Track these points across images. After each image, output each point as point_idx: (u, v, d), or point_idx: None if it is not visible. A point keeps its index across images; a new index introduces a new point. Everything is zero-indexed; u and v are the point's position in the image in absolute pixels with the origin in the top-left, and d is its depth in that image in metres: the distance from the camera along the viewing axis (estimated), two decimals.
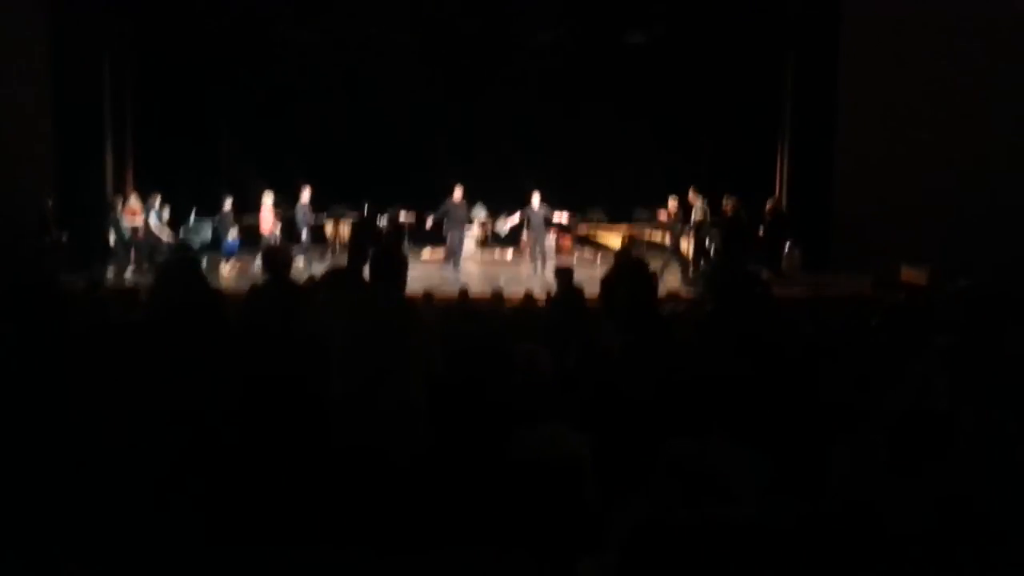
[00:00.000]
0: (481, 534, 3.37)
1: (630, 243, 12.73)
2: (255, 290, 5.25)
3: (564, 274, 7.65)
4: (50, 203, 11.19)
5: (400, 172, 15.52)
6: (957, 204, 11.06)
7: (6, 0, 11.36)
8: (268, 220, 12.55)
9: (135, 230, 12.21)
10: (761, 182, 13.36)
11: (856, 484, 2.80)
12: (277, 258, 5.42)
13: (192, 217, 13.09)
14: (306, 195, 12.86)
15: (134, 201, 12.34)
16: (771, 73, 13.38)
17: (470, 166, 15.47)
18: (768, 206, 12.36)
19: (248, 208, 13.07)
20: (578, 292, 6.92)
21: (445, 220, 12.86)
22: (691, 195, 12.96)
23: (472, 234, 14.47)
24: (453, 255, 12.76)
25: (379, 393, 3.74)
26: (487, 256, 14.84)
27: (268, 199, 12.62)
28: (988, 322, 4.76)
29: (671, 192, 13.12)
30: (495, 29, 14.36)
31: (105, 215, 12.23)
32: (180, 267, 4.59)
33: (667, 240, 13.00)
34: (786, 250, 12.56)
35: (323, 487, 3.62)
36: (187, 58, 14.41)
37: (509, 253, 13.48)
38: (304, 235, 12.75)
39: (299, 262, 11.33)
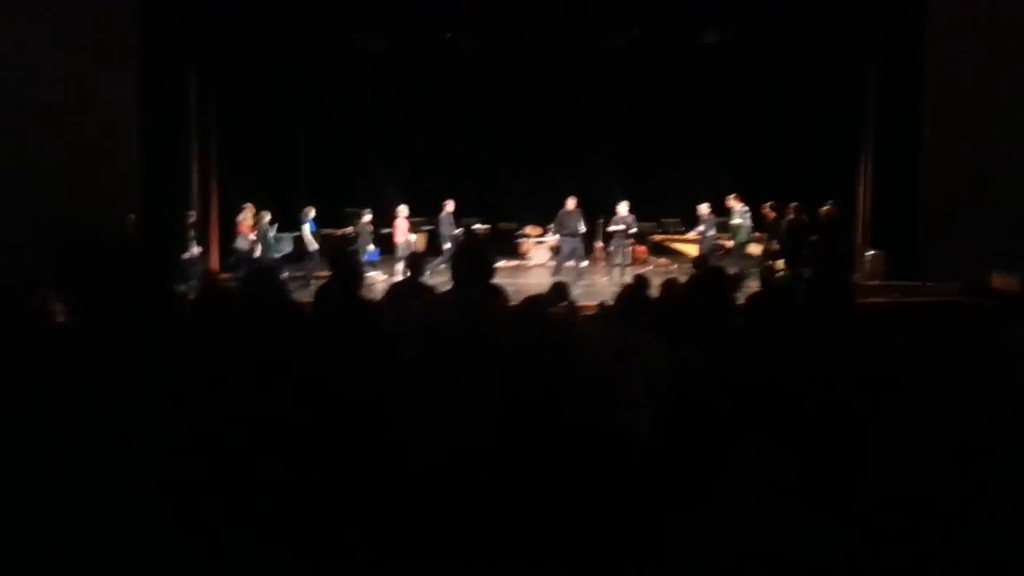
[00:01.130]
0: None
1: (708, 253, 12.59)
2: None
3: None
4: (132, 217, 11.53)
5: (474, 181, 15.70)
6: None
7: (96, 15, 11.76)
8: (403, 230, 13.23)
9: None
10: (844, 188, 13.09)
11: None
12: (420, 263, 5.84)
13: (274, 231, 13.44)
14: (450, 206, 13.56)
15: (249, 216, 12.95)
16: (853, 76, 13.10)
17: (547, 175, 15.59)
18: (824, 210, 12.11)
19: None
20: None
21: (559, 230, 13.26)
22: (731, 200, 12.92)
23: (547, 242, 14.54)
24: (567, 262, 12.99)
25: (450, 398, 3.72)
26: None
27: (403, 210, 13.33)
28: None
29: (763, 198, 13.05)
30: (565, 33, 14.39)
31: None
32: (262, 280, 4.79)
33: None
34: (867, 257, 12.34)
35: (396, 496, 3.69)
36: (272, 72, 14.84)
37: (585, 262, 13.49)
38: (447, 246, 13.09)
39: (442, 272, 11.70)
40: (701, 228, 13.18)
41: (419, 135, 16.27)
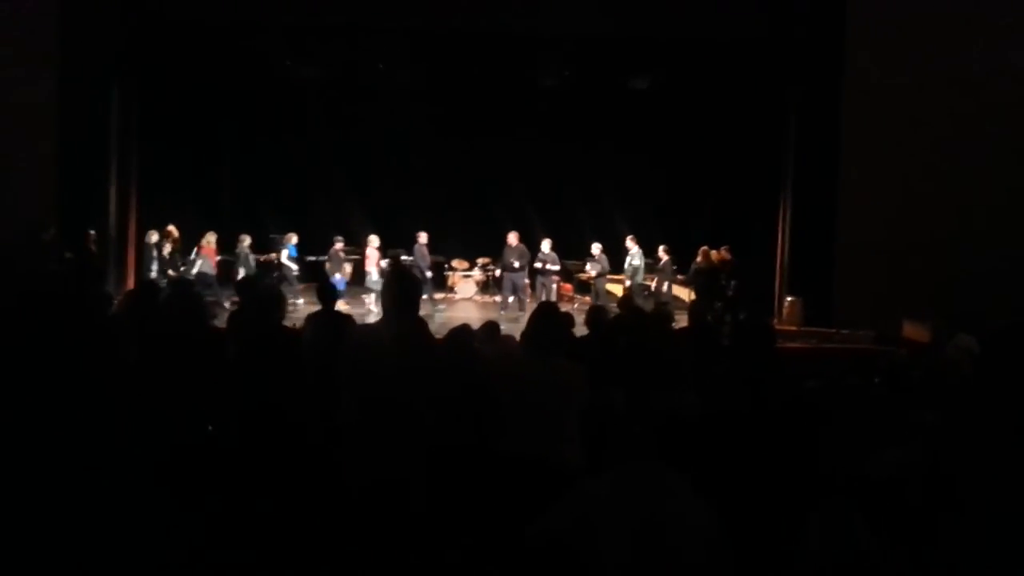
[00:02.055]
0: None
1: (631, 292, 12.83)
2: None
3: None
4: (52, 231, 11.19)
5: (401, 213, 15.68)
6: (962, 259, 11.17)
7: (15, 30, 11.47)
8: (374, 260, 13.25)
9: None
10: (765, 234, 13.46)
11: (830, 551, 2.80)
12: None
13: (194, 253, 13.16)
14: (423, 238, 13.73)
15: (213, 239, 13.00)
16: (774, 123, 13.53)
17: (472, 209, 15.71)
18: (716, 255, 12.59)
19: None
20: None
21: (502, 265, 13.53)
22: (628, 241, 13.47)
23: (473, 276, 14.65)
24: (513, 296, 13.25)
25: (382, 428, 3.72)
26: (487, 299, 14.99)
27: (375, 240, 13.36)
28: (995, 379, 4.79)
29: (669, 240, 13.39)
30: (499, 71, 14.57)
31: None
32: (184, 301, 4.70)
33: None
34: (786, 303, 12.69)
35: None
36: (194, 92, 14.58)
37: (527, 297, 13.63)
38: (425, 276, 13.28)
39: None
40: (625, 266, 13.44)
41: (347, 163, 16.23)
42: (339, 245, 13.49)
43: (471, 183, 16.46)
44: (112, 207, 12.89)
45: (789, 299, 12.70)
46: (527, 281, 13.44)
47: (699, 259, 12.76)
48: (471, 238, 15.17)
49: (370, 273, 13.20)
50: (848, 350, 10.04)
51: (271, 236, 14.54)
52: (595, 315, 6.76)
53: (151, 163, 13.66)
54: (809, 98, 12.67)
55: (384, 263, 13.27)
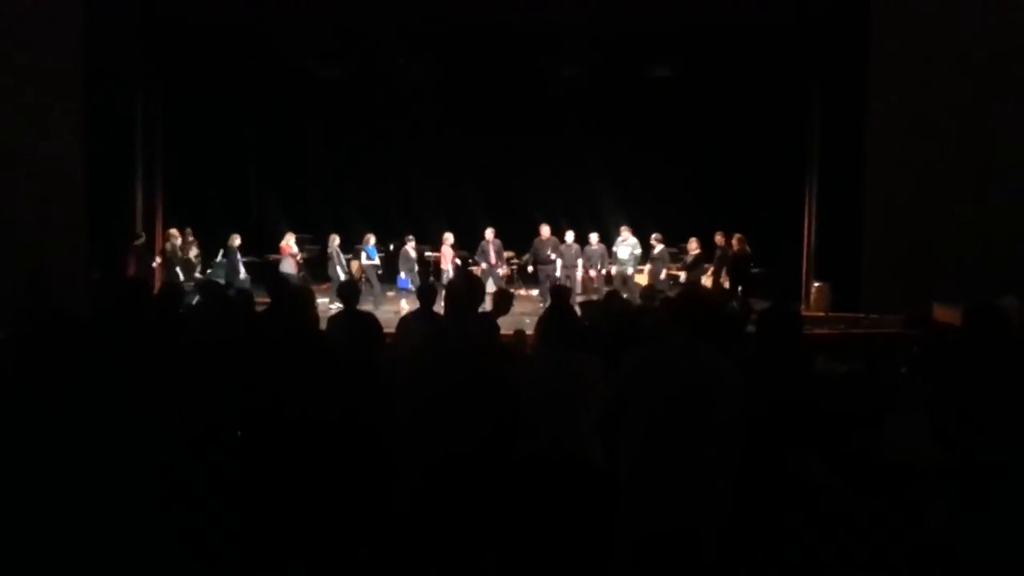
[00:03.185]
0: None
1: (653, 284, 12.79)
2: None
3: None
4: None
5: (422, 209, 15.78)
6: (990, 242, 11.04)
7: (39, 39, 11.63)
8: (449, 258, 13.48)
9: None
10: (790, 220, 13.38)
11: None
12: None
13: (220, 255, 13.31)
14: (490, 234, 13.72)
15: (292, 239, 13.24)
16: (798, 109, 13.43)
17: (496, 202, 15.73)
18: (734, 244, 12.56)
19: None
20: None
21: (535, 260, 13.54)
22: (624, 231, 13.49)
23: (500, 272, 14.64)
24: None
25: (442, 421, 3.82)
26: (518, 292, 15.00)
27: (449, 238, 13.54)
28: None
29: (692, 228, 13.32)
30: (519, 64, 14.57)
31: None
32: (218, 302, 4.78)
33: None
34: (813, 288, 12.62)
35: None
36: (216, 96, 14.72)
37: (536, 291, 13.67)
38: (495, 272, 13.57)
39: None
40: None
41: (371, 162, 16.32)
42: (410, 244, 13.50)
43: (494, 177, 16.48)
44: (139, 213, 13.06)
45: (816, 285, 12.64)
46: (558, 274, 13.45)
47: (720, 243, 12.76)
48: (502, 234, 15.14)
49: (447, 271, 13.32)
50: (876, 334, 9.96)
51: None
52: (609, 302, 6.68)
53: (176, 168, 13.84)
54: (834, 83, 12.56)
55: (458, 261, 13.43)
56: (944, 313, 10.10)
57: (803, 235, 13.25)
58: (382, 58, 14.49)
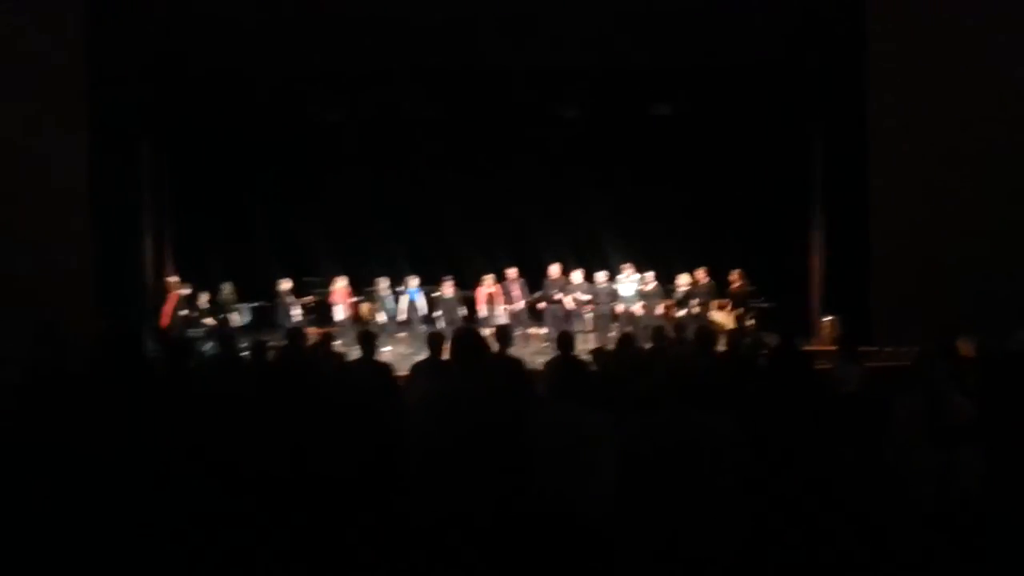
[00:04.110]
0: None
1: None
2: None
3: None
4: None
5: (429, 247, 15.77)
6: (996, 272, 10.98)
7: (46, 83, 11.74)
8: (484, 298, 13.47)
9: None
10: (798, 254, 13.35)
11: None
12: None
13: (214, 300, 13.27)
14: (513, 272, 13.82)
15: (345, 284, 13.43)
16: (800, 143, 13.48)
17: (500, 240, 15.73)
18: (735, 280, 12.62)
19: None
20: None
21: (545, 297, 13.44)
22: (625, 267, 13.53)
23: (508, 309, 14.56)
24: (554, 328, 12.98)
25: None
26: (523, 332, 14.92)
27: (489, 280, 13.55)
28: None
29: (700, 264, 13.27)
30: (521, 105, 14.69)
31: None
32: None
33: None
34: (823, 322, 12.55)
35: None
36: (222, 142, 14.80)
37: (544, 329, 13.61)
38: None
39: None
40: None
41: (379, 204, 16.36)
42: (448, 284, 13.46)
43: (499, 217, 16.50)
44: (148, 263, 13.05)
45: (827, 318, 12.55)
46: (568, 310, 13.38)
47: (702, 279, 12.86)
48: (497, 271, 15.09)
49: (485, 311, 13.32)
50: (892, 368, 9.85)
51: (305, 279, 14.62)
52: (621, 348, 6.62)
53: (184, 216, 13.87)
54: (835, 117, 12.61)
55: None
56: (967, 346, 10.00)
57: (811, 269, 13.20)
58: (387, 101, 14.59)
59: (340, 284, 13.50)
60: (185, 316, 12.49)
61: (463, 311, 13.53)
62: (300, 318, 13.07)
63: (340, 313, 13.39)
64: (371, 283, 13.70)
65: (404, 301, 13.43)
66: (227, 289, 13.07)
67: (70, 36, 11.84)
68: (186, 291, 12.68)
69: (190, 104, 13.50)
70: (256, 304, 13.66)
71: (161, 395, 4.30)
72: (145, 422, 3.90)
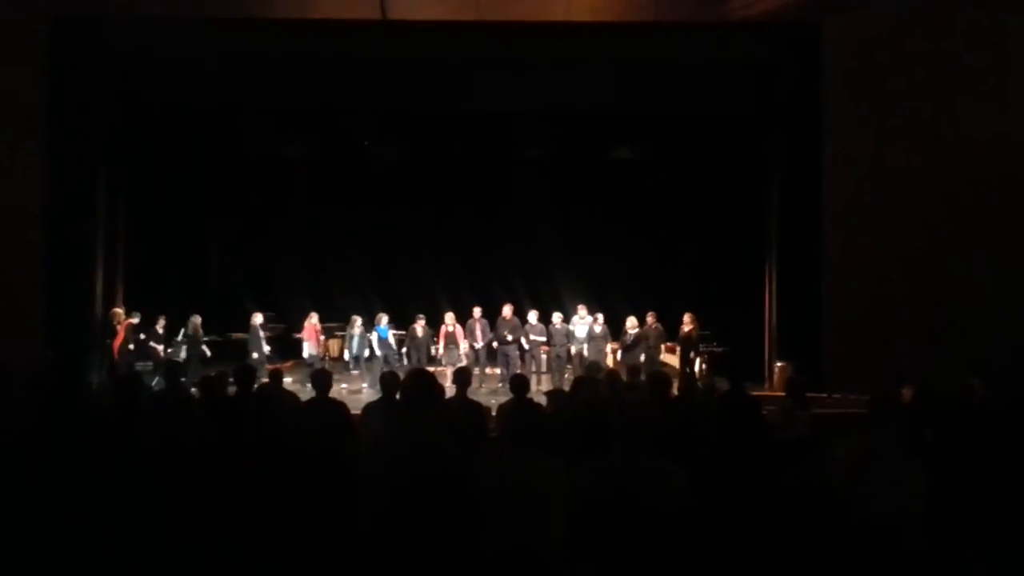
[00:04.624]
0: None
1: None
2: None
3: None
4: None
5: (388, 287, 15.76)
6: (951, 320, 11.19)
7: (2, 111, 11.62)
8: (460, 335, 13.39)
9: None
10: (752, 299, 13.52)
11: None
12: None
13: (181, 334, 13.12)
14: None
15: (316, 319, 13.21)
16: (757, 190, 13.68)
17: (456, 278, 15.79)
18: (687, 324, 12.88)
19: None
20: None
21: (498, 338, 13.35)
22: (580, 309, 13.53)
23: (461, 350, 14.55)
24: (506, 369, 13.18)
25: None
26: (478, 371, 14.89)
27: (477, 312, 13.55)
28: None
29: (654, 307, 13.41)
30: (481, 146, 14.84)
31: None
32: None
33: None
34: (776, 368, 12.70)
35: None
36: (182, 177, 14.70)
37: (499, 369, 13.62)
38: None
39: None
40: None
41: (336, 241, 16.35)
42: (420, 323, 13.39)
43: (457, 257, 16.57)
44: (99, 292, 12.86)
45: (779, 364, 12.71)
46: (518, 353, 13.39)
47: (651, 323, 12.95)
48: (457, 309, 15.14)
49: (454, 346, 13.28)
50: (841, 415, 9.98)
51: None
52: (577, 391, 6.64)
53: (138, 246, 13.71)
54: (792, 166, 12.85)
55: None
56: (910, 393, 10.16)
57: (764, 314, 13.37)
58: (347, 138, 14.66)
59: (311, 320, 13.37)
60: (134, 348, 12.30)
61: (434, 350, 13.50)
62: (268, 352, 13.02)
63: (309, 349, 13.27)
64: (346, 319, 13.65)
65: (374, 338, 13.37)
66: (195, 322, 12.91)
67: (31, 66, 11.76)
68: (135, 320, 12.51)
69: (149, 136, 13.42)
70: (209, 339, 13.49)
71: (104, 432, 4.26)
72: (84, 459, 3.85)
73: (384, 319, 13.46)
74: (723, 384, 8.60)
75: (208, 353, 13.14)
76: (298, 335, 13.81)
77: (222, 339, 14.29)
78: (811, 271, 12.46)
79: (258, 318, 13.02)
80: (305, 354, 13.30)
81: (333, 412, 5.58)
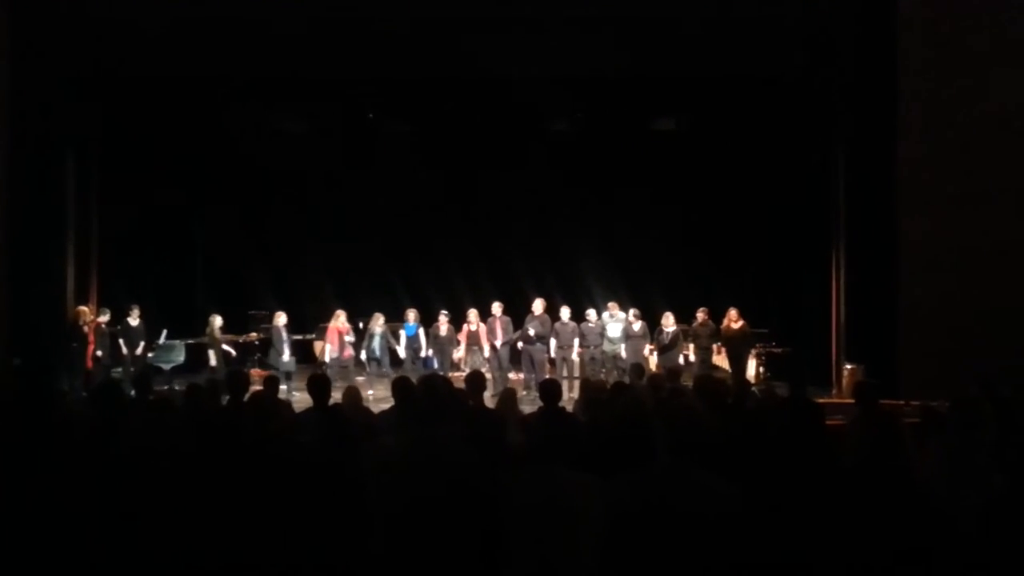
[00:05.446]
0: None
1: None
2: None
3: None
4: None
5: (400, 281, 15.80)
6: None
7: None
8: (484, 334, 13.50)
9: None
10: (817, 295, 13.45)
11: None
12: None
13: (163, 336, 13.27)
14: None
15: (344, 318, 13.24)
16: (820, 167, 13.58)
17: (478, 269, 15.80)
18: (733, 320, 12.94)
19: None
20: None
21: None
22: (611, 307, 13.60)
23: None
24: (532, 374, 13.23)
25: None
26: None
27: (473, 315, 13.56)
28: None
29: (701, 302, 13.41)
30: (505, 116, 14.80)
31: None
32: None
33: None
34: (845, 372, 12.63)
35: None
36: (161, 157, 14.79)
37: (522, 374, 13.66)
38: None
39: None
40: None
41: (337, 227, 16.39)
42: (443, 321, 13.48)
43: (478, 243, 16.58)
44: (70, 288, 13.01)
45: (848, 367, 12.64)
46: (545, 356, 13.40)
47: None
48: (480, 304, 15.16)
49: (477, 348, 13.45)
50: (918, 424, 9.92)
51: (250, 313, 14.68)
52: (616, 399, 6.64)
53: (112, 235, 13.84)
54: (860, 142, 12.70)
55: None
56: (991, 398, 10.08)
57: (831, 309, 13.29)
58: (351, 111, 14.69)
59: (338, 320, 13.30)
60: (103, 354, 12.58)
61: (455, 353, 13.60)
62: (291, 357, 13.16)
63: (330, 352, 13.30)
64: (350, 316, 13.66)
65: (402, 338, 13.50)
66: (215, 323, 13.08)
67: None
68: (103, 319, 12.68)
69: (124, 109, 13.50)
70: (190, 341, 13.65)
71: (80, 445, 4.34)
72: (58, 476, 3.93)
73: (412, 315, 13.56)
74: (783, 390, 8.61)
75: (233, 352, 13.40)
76: (308, 336, 13.93)
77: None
78: (885, 260, 12.33)
79: (282, 318, 13.14)
80: (327, 358, 13.39)
81: (334, 422, 5.62)
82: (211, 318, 13.09)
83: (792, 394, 7.34)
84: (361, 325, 13.71)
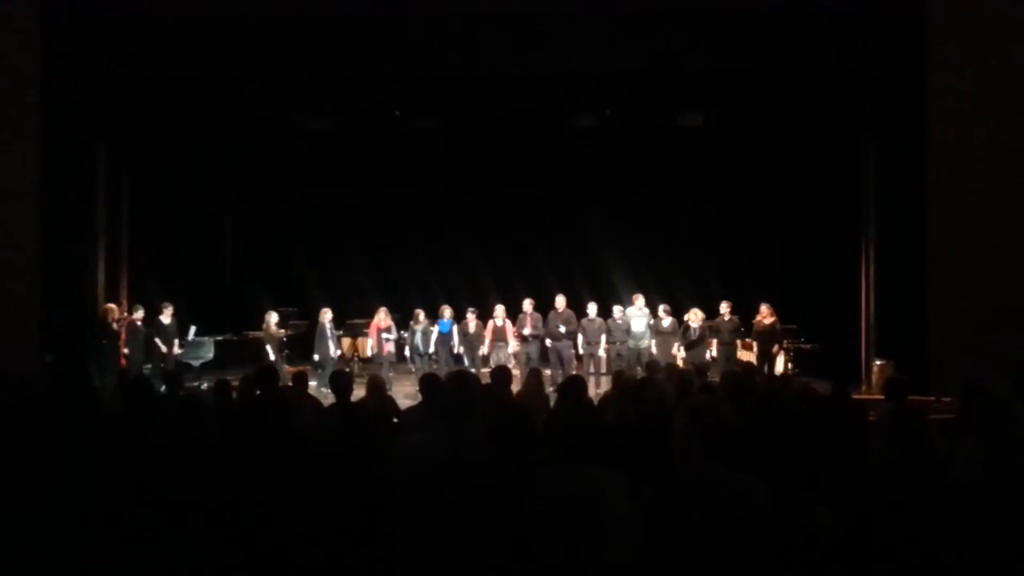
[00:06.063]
0: None
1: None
2: None
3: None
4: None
5: (424, 273, 15.86)
6: None
7: None
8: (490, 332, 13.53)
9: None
10: (845, 287, 13.36)
11: None
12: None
13: (192, 333, 13.38)
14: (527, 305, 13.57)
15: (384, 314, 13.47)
16: (849, 161, 13.48)
17: (505, 265, 15.82)
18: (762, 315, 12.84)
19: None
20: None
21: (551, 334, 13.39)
22: (635, 300, 13.48)
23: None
24: (560, 370, 13.15)
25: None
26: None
27: (500, 311, 13.58)
28: None
29: (728, 296, 13.34)
30: (530, 112, 14.79)
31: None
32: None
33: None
34: (875, 368, 12.54)
35: None
36: (190, 157, 14.91)
37: (548, 371, 13.63)
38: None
39: None
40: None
41: (363, 222, 16.45)
42: (472, 317, 13.53)
43: (502, 239, 16.60)
44: (100, 286, 13.13)
45: (878, 362, 12.55)
46: (572, 352, 13.38)
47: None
48: (507, 300, 15.16)
49: (503, 344, 13.41)
50: (949, 421, 9.83)
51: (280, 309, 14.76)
52: (642, 392, 6.60)
53: (142, 230, 13.96)
54: (890, 135, 12.60)
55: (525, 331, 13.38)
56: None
57: (861, 304, 13.19)
58: (376, 108, 14.72)
59: (378, 316, 13.54)
60: (132, 350, 12.71)
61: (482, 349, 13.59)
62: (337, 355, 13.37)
63: (372, 348, 13.60)
64: (371, 313, 13.82)
65: (434, 335, 13.60)
66: (270, 320, 13.23)
67: (22, 39, 11.98)
68: (138, 315, 12.80)
69: (154, 110, 13.62)
70: (222, 337, 13.78)
71: (113, 441, 4.38)
72: (94, 473, 3.97)
73: (448, 312, 13.62)
74: (821, 387, 8.54)
75: (202, 356, 13.55)
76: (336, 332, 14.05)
77: (238, 338, 14.53)
78: (915, 255, 12.22)
79: (327, 314, 13.28)
80: (368, 352, 13.68)
81: (357, 419, 5.64)
82: (267, 315, 13.28)
83: (835, 391, 7.28)
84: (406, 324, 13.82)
